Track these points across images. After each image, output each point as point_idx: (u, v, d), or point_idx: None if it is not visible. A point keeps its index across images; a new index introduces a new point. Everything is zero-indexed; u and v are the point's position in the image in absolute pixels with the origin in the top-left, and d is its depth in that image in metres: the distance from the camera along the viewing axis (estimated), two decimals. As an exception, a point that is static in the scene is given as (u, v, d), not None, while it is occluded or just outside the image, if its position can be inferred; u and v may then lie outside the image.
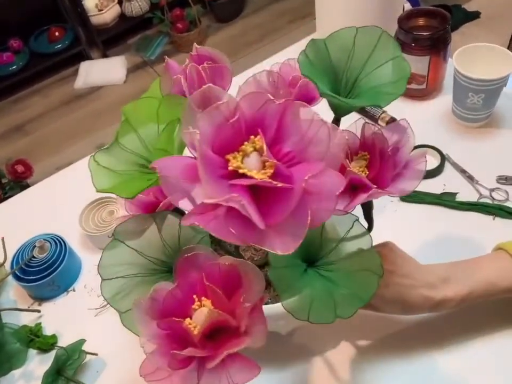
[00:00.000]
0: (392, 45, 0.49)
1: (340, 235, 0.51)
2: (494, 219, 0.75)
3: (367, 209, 0.55)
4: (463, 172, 0.81)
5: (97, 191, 0.47)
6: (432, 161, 0.83)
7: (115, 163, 0.49)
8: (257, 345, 0.40)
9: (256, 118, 0.37)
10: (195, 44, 0.57)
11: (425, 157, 0.49)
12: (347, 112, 0.51)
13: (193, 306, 0.41)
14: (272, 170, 0.35)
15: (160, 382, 0.42)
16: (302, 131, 0.37)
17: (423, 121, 0.90)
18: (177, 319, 0.40)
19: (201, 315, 0.40)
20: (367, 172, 0.48)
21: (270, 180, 0.34)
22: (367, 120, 0.51)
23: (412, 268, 0.57)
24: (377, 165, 0.47)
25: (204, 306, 0.41)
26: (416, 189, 0.79)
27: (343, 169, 0.46)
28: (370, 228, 0.56)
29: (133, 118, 0.50)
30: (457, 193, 0.78)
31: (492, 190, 0.78)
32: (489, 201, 0.77)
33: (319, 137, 0.36)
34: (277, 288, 0.49)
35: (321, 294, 0.49)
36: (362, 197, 0.46)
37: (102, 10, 2.66)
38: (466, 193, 0.78)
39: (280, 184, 0.34)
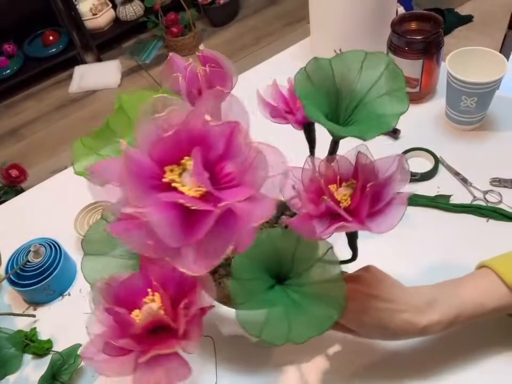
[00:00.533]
0: (398, 76, 0.49)
1: (313, 258, 0.51)
2: (487, 221, 0.75)
3: (351, 237, 0.53)
4: (456, 174, 0.82)
5: (76, 173, 0.47)
6: (426, 164, 0.84)
7: (101, 147, 0.50)
8: (191, 351, 0.41)
9: (197, 135, 0.36)
10: (201, 45, 0.57)
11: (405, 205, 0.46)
12: (344, 136, 0.50)
13: (145, 300, 0.42)
14: (204, 189, 0.35)
15: (97, 364, 0.42)
16: (243, 155, 0.36)
17: (416, 125, 0.91)
18: (122, 310, 0.41)
19: (147, 310, 0.41)
20: (349, 202, 0.46)
21: (187, 200, 0.34)
22: (362, 152, 0.47)
23: (395, 292, 0.55)
24: (358, 197, 0.45)
25: (154, 301, 0.41)
26: (411, 192, 0.80)
27: (321, 193, 0.45)
28: (354, 257, 0.55)
29: (128, 107, 0.50)
30: (451, 195, 0.79)
31: (486, 192, 0.79)
32: (483, 203, 0.77)
33: (255, 164, 0.36)
34: (234, 299, 0.49)
35: (279, 314, 0.49)
36: (335, 227, 0.44)
37: (96, 14, 2.67)
38: (460, 196, 0.79)
39: (195, 207, 0.34)
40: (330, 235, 0.44)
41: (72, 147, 0.50)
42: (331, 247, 0.50)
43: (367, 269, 0.57)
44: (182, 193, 0.35)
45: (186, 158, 0.36)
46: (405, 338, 0.57)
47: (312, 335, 0.47)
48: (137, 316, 0.41)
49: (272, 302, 0.50)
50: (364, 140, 0.45)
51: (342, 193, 0.46)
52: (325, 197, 0.44)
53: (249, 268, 0.52)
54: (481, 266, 0.59)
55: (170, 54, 0.56)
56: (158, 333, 0.42)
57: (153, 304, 0.41)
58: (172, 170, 0.36)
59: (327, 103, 0.49)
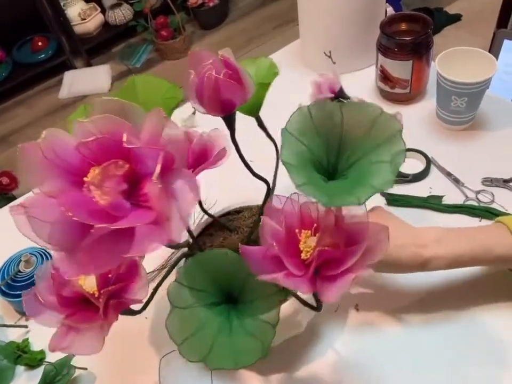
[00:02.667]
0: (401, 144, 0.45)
1: (259, 292, 0.51)
2: (480, 221, 0.75)
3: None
4: (448, 174, 0.82)
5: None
6: (418, 165, 0.84)
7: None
8: (105, 331, 0.46)
9: (125, 148, 0.35)
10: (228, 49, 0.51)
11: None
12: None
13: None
14: (109, 198, 0.34)
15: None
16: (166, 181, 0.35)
17: (407, 125, 0.89)
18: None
19: (75, 284, 0.45)
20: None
21: (89, 205, 0.34)
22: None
23: (401, 228, 0.58)
24: (316, 253, 0.42)
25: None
26: (403, 193, 0.80)
27: (293, 238, 0.44)
28: (318, 308, 0.51)
29: (140, 87, 0.50)
30: (443, 196, 0.79)
31: (478, 192, 0.79)
32: (475, 203, 0.77)
33: (175, 194, 0.35)
34: (171, 300, 0.51)
35: (208, 332, 0.50)
36: (280, 276, 0.42)
37: (85, 19, 2.66)
38: (452, 196, 0.79)
39: (87, 221, 0.33)
40: (274, 280, 0.42)
41: (75, 111, 0.49)
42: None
43: (374, 209, 0.60)
44: (92, 197, 0.34)
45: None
46: (409, 270, 0.58)
47: (226, 366, 0.48)
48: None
49: (209, 318, 0.51)
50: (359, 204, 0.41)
51: (310, 244, 0.43)
52: (273, 244, 0.42)
53: (199, 277, 0.52)
54: (496, 222, 0.62)
55: (193, 51, 0.52)
56: (88, 304, 0.45)
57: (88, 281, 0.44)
58: (96, 172, 0.35)
59: (323, 149, 0.47)
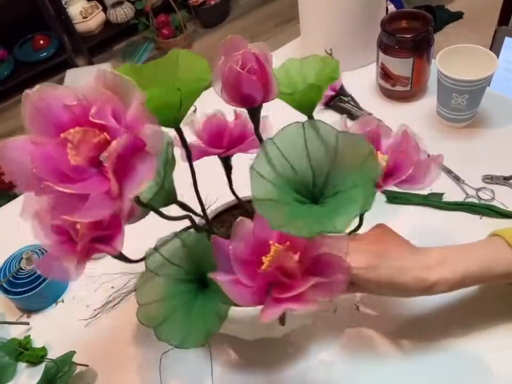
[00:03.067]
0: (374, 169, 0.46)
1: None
2: (481, 218, 0.76)
3: None
4: (449, 172, 0.82)
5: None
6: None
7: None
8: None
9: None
10: (261, 44, 0.51)
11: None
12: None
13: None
14: (80, 160, 0.36)
15: None
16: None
17: (408, 123, 0.89)
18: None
19: None
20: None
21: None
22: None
23: (406, 250, 0.57)
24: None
25: None
26: (403, 190, 0.80)
27: (263, 247, 0.45)
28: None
29: (182, 62, 0.50)
30: (443, 193, 0.79)
31: (478, 189, 0.79)
32: (475, 200, 0.77)
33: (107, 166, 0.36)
34: (149, 268, 0.53)
35: (173, 305, 0.51)
36: (219, 279, 0.43)
37: (86, 17, 2.66)
38: (452, 194, 0.79)
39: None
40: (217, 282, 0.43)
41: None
42: None
43: (378, 226, 0.59)
44: (66, 153, 0.36)
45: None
46: (413, 295, 0.58)
47: (173, 341, 0.50)
48: None
49: (175, 292, 0.52)
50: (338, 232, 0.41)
51: (274, 259, 0.44)
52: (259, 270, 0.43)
53: (179, 253, 0.54)
54: (492, 235, 0.61)
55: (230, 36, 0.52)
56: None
57: None
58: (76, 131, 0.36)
59: (310, 172, 0.48)
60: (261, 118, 0.57)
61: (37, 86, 0.37)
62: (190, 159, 0.54)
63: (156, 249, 0.54)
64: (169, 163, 0.54)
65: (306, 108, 0.54)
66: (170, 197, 0.55)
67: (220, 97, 0.52)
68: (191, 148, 0.55)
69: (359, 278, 0.54)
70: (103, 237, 0.45)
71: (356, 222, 0.54)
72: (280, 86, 0.50)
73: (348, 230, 0.54)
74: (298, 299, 0.42)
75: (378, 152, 0.55)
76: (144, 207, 0.49)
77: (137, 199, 0.47)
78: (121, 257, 0.51)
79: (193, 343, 0.50)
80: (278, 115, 0.57)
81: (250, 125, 0.57)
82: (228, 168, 0.60)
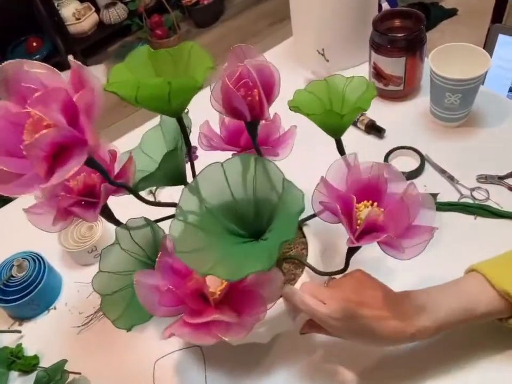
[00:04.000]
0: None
1: None
2: (475, 219, 0.75)
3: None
4: (443, 172, 0.81)
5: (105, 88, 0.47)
6: (412, 163, 0.83)
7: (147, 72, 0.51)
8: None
9: None
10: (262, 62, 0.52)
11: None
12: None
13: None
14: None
15: None
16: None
17: (401, 123, 0.90)
18: None
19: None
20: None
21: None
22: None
23: (383, 299, 0.54)
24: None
25: None
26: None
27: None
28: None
29: (194, 56, 0.52)
30: (438, 193, 0.78)
31: (473, 189, 0.78)
32: (470, 201, 0.77)
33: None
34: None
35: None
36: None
37: (79, 19, 2.64)
38: (447, 194, 0.78)
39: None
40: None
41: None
42: None
43: (354, 274, 0.56)
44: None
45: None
46: (393, 345, 0.56)
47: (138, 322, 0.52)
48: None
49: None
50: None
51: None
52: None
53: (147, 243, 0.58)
54: (470, 271, 0.58)
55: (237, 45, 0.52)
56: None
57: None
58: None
59: (231, 218, 0.49)
60: (291, 127, 0.60)
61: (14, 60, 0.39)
62: (189, 151, 0.55)
63: (128, 228, 0.57)
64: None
65: (330, 131, 0.53)
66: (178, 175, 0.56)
67: (210, 101, 0.52)
68: (207, 138, 0.57)
69: (333, 327, 0.53)
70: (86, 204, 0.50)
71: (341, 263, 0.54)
72: (305, 103, 0.51)
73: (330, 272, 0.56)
74: (198, 329, 0.44)
75: (375, 204, 0.49)
76: (129, 191, 0.52)
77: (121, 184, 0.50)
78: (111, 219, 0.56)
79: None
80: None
81: (273, 131, 0.58)
82: None
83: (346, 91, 0.54)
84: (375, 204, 0.49)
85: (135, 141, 0.65)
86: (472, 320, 0.54)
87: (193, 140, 0.58)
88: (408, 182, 0.49)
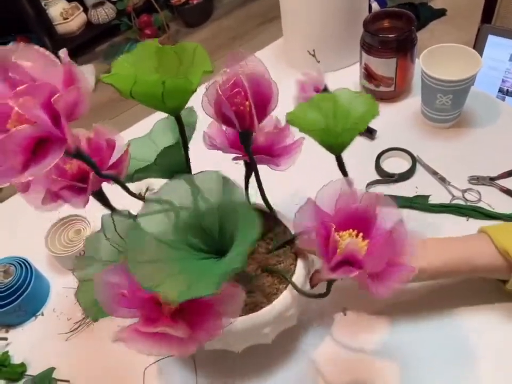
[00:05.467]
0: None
1: None
2: (467, 220, 0.75)
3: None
4: (434, 173, 0.81)
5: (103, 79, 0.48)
6: (404, 164, 0.83)
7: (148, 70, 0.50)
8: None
9: None
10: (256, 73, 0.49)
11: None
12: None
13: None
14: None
15: None
16: None
17: (392, 124, 0.90)
18: None
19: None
20: None
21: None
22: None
23: None
24: None
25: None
26: (388, 193, 0.79)
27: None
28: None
29: (198, 57, 0.50)
30: (429, 195, 0.78)
31: (464, 191, 0.78)
32: (462, 202, 0.77)
33: None
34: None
35: None
36: None
37: (67, 18, 2.61)
38: (439, 195, 0.78)
39: None
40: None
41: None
42: None
43: None
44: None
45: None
46: None
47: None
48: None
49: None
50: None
51: None
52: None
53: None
54: (479, 232, 0.62)
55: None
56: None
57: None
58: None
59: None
60: (298, 138, 0.58)
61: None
62: (185, 147, 0.54)
63: (112, 217, 0.56)
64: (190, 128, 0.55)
65: (328, 148, 0.51)
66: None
67: (201, 104, 0.51)
68: (210, 139, 0.57)
69: None
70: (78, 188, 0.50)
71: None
72: (304, 119, 0.49)
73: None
74: (148, 338, 0.43)
75: (360, 234, 0.45)
76: (116, 182, 0.51)
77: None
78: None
79: None
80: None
81: (280, 140, 0.58)
82: (248, 171, 0.60)
83: (351, 108, 0.51)
84: (360, 234, 0.45)
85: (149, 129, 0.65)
86: (470, 272, 0.58)
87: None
88: (399, 217, 0.46)
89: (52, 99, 0.35)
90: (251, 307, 0.55)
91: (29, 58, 0.38)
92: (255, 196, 0.58)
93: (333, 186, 0.47)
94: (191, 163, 0.56)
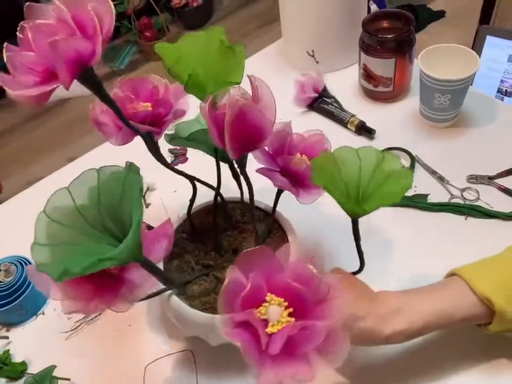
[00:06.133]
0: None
1: None
2: (466, 219, 0.75)
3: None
4: (433, 172, 0.81)
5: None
6: (402, 164, 0.83)
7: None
8: None
9: None
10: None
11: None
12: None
13: None
14: None
15: None
16: None
17: (391, 124, 0.90)
18: None
19: None
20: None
21: None
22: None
23: (360, 299, 0.53)
24: None
25: None
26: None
27: None
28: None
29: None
30: (428, 194, 0.78)
31: (463, 190, 0.78)
32: (460, 201, 0.77)
33: None
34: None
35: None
36: None
37: (67, 21, 2.62)
38: (437, 194, 0.78)
39: None
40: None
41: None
42: None
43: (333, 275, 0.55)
44: None
45: None
46: (369, 345, 0.56)
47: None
48: None
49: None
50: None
51: None
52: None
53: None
54: (451, 274, 0.58)
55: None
56: None
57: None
58: None
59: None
60: None
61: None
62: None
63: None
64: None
65: (347, 212, 0.48)
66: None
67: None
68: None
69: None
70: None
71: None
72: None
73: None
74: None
75: (289, 310, 0.41)
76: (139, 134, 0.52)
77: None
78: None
79: None
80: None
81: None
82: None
83: (377, 171, 0.49)
84: (289, 310, 0.41)
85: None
86: (450, 325, 0.54)
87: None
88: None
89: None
90: None
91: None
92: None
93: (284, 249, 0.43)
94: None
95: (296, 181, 0.55)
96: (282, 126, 0.56)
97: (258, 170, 0.54)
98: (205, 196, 0.66)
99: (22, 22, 0.44)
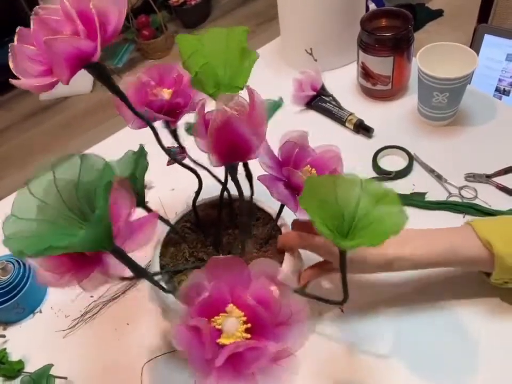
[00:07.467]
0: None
1: None
2: (464, 217, 0.75)
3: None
4: (431, 171, 0.81)
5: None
6: (400, 162, 0.83)
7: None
8: None
9: None
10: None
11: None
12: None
13: None
14: None
15: None
16: None
17: (389, 122, 0.90)
18: None
19: None
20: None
21: None
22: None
23: None
24: None
25: None
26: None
27: None
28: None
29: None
30: (426, 192, 0.78)
31: (461, 188, 0.78)
32: (458, 199, 0.77)
33: None
34: None
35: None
36: None
37: (65, 19, 2.62)
38: (435, 193, 0.78)
39: None
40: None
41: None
42: None
43: None
44: None
45: None
46: (374, 269, 0.59)
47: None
48: None
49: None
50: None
51: None
52: None
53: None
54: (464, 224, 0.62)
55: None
56: None
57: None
58: None
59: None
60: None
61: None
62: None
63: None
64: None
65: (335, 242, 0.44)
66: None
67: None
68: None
69: (324, 251, 0.57)
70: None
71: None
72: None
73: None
74: None
75: (247, 325, 0.41)
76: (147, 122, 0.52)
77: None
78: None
79: None
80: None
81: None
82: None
83: (376, 208, 0.45)
84: (247, 325, 0.40)
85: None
86: (454, 263, 0.59)
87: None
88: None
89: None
90: None
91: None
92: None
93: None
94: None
95: (298, 194, 0.53)
96: (298, 136, 0.55)
97: (260, 178, 0.52)
98: (212, 194, 0.66)
99: (37, 6, 0.43)
